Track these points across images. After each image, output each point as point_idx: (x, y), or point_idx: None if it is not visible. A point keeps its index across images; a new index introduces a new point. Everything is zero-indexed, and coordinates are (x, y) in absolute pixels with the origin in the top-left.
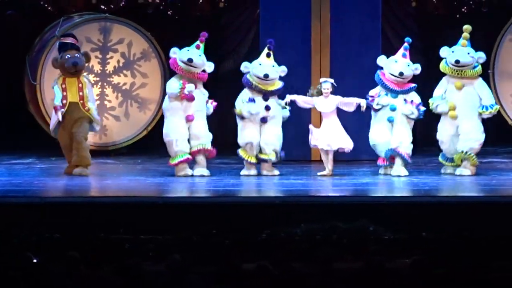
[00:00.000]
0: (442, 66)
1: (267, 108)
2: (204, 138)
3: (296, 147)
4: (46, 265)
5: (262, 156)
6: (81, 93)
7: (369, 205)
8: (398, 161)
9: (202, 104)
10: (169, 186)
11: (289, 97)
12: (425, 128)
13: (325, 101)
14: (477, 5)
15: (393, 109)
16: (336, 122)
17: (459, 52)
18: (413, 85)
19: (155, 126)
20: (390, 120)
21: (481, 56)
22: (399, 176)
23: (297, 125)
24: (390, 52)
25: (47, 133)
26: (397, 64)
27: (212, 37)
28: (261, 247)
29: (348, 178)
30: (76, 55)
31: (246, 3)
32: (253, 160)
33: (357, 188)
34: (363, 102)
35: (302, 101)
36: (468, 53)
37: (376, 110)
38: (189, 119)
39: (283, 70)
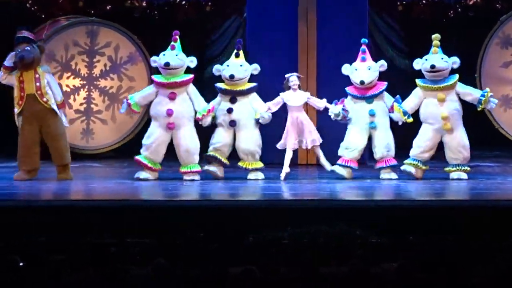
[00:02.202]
0: (419, 84)
1: (229, 110)
2: (190, 156)
3: (283, 151)
4: (32, 269)
5: (240, 164)
6: (37, 84)
7: (356, 209)
8: (387, 169)
9: (188, 112)
10: (156, 190)
11: (265, 108)
12: (410, 133)
13: (294, 95)
14: (464, 9)
15: (372, 114)
16: (304, 118)
17: (433, 59)
18: (383, 86)
19: (142, 130)
20: (373, 127)
21: (455, 60)
22: (390, 179)
23: (283, 128)
24: (376, 55)
25: None
26: (357, 72)
27: (199, 41)
28: (247, 251)
29: (335, 182)
30: (26, 48)
31: (233, 7)
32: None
33: (344, 192)
34: (334, 109)
35: (273, 104)
36: (442, 58)
37: (347, 120)
38: (169, 127)
39: (255, 68)
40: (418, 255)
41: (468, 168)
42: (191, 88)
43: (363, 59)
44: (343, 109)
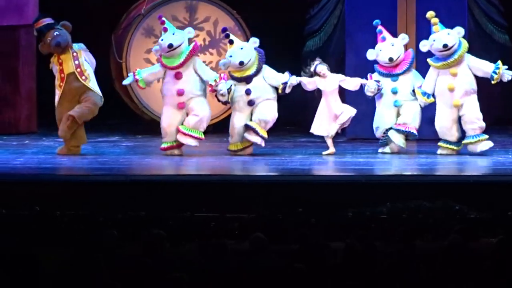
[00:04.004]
0: (432, 64)
1: (248, 92)
2: (201, 120)
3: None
4: (131, 243)
5: (248, 123)
6: (76, 62)
7: (455, 184)
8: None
9: (196, 89)
10: (255, 165)
11: (293, 81)
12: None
13: (326, 80)
14: None
15: (394, 92)
16: (335, 101)
17: (441, 37)
18: (410, 58)
19: None
20: (396, 105)
21: (460, 30)
22: (401, 147)
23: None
24: (475, 30)
25: (133, 111)
26: (383, 52)
27: (298, 16)
28: (346, 225)
29: (432, 157)
30: (55, 33)
31: None
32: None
33: (443, 167)
34: (370, 83)
35: (308, 82)
36: (448, 34)
37: (379, 92)
38: (180, 107)
39: (254, 41)
40: None
41: (486, 136)
42: (197, 63)
43: (383, 39)
44: (376, 81)
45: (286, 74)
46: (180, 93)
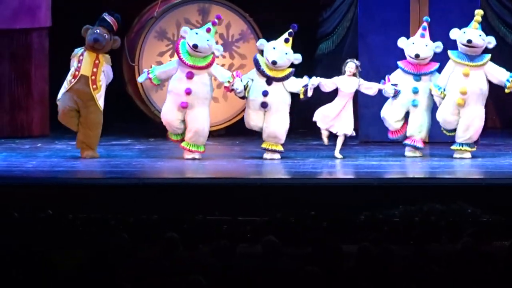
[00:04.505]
0: (451, 57)
1: (265, 93)
2: (197, 134)
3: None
4: (143, 246)
5: (262, 146)
6: (95, 69)
7: (467, 187)
8: (410, 148)
9: (203, 93)
10: (267, 168)
11: (314, 81)
12: None
13: (348, 81)
14: None
15: (415, 92)
16: (348, 106)
17: (471, 33)
18: (436, 66)
19: None
20: (414, 105)
21: (491, 40)
22: (415, 157)
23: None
24: (488, 33)
25: (145, 114)
26: (414, 46)
27: (310, 18)
28: (359, 228)
29: (445, 160)
30: (104, 34)
31: None
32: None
33: (455, 170)
34: (387, 87)
35: (326, 83)
36: (480, 35)
37: (394, 96)
38: (182, 106)
39: (296, 58)
40: None
41: (470, 149)
42: (213, 67)
43: (422, 36)
44: (393, 84)
45: (305, 78)
46: (188, 92)
